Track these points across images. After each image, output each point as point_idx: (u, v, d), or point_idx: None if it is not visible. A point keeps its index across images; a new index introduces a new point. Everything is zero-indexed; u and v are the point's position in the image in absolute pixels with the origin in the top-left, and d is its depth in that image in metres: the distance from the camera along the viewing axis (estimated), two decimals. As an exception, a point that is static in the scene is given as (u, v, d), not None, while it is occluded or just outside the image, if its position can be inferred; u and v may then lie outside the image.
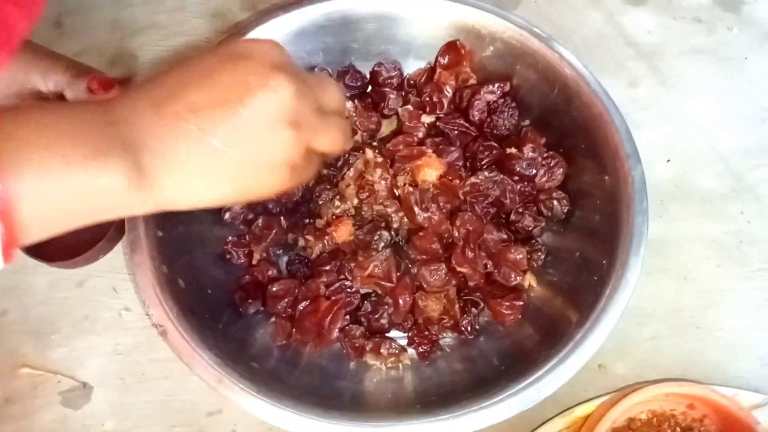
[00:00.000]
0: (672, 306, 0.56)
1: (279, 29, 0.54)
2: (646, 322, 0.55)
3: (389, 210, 0.53)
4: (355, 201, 0.54)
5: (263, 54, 0.35)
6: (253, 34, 0.52)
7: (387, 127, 0.59)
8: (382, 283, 0.50)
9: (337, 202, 0.53)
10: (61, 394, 0.51)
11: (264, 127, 0.34)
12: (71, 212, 0.33)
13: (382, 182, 0.53)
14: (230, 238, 0.53)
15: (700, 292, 0.56)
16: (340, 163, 0.54)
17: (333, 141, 0.38)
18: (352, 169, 0.53)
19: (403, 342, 0.51)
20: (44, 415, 0.51)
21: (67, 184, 0.32)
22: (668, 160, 0.61)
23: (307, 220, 0.54)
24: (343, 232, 0.51)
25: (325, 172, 0.54)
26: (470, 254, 0.50)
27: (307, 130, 0.36)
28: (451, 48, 0.56)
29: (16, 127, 0.31)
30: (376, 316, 0.50)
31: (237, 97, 0.33)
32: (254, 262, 0.52)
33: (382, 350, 0.49)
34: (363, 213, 0.54)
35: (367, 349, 0.50)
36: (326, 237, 0.51)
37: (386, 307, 0.50)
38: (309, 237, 0.52)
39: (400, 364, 0.50)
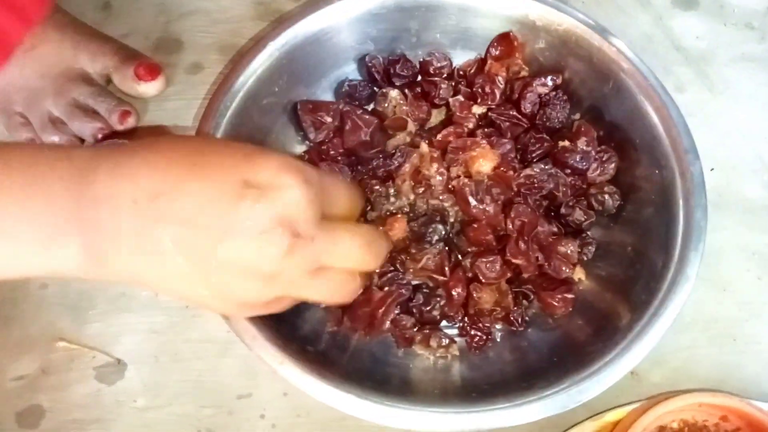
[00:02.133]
0: (710, 316, 0.55)
1: (328, 19, 0.54)
2: (683, 330, 0.54)
3: (446, 204, 0.52)
4: (411, 196, 0.53)
5: (280, 199, 0.31)
6: (301, 25, 0.53)
7: (436, 117, 0.58)
8: (435, 276, 0.50)
9: (392, 198, 0.53)
10: (96, 369, 0.51)
11: (240, 272, 0.31)
12: (19, 273, 0.32)
13: (439, 177, 0.52)
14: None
15: (739, 303, 0.55)
16: (395, 158, 0.53)
17: (348, 255, 0.35)
18: (407, 165, 0.53)
19: (453, 332, 0.51)
20: (78, 388, 0.50)
21: (16, 260, 0.31)
22: (712, 169, 0.60)
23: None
24: (399, 230, 0.51)
25: (374, 163, 0.54)
26: (524, 246, 0.49)
27: (285, 286, 0.33)
28: (504, 39, 0.56)
29: None
30: (428, 308, 0.49)
31: (233, 233, 0.30)
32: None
33: (432, 342, 0.49)
34: (417, 208, 0.53)
35: (417, 340, 0.49)
36: (379, 228, 0.51)
37: (438, 299, 0.49)
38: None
39: (449, 355, 0.50)
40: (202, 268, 0.31)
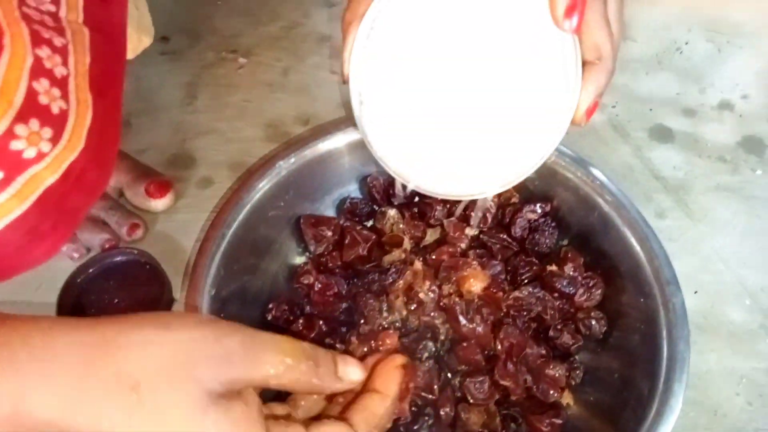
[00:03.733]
0: (703, 441, 0.55)
1: (335, 143, 0.58)
2: (677, 456, 0.54)
3: (437, 321, 0.54)
4: (404, 312, 0.55)
5: None
6: (310, 147, 0.57)
7: (431, 236, 0.61)
8: (423, 394, 0.51)
9: (385, 313, 0.55)
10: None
11: None
12: None
13: (431, 294, 0.54)
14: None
15: (730, 429, 0.56)
16: (389, 274, 0.55)
17: None
18: (401, 281, 0.55)
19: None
20: None
21: None
22: (696, 292, 0.62)
23: (344, 329, 0.55)
24: (390, 344, 0.52)
25: (369, 277, 0.56)
26: (512, 368, 0.51)
27: None
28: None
29: None
30: (416, 427, 0.49)
31: None
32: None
33: None
34: (409, 324, 0.55)
35: None
36: (371, 342, 0.53)
37: (426, 418, 0.50)
38: (353, 339, 0.53)
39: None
40: None
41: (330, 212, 0.62)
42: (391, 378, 0.38)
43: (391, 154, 0.46)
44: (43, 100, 0.37)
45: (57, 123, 0.38)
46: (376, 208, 0.61)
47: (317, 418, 0.38)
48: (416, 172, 0.46)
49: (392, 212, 0.60)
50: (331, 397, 0.40)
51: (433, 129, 0.43)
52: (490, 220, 0.59)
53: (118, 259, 0.59)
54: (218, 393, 0.31)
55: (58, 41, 0.38)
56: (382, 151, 0.46)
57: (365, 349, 0.51)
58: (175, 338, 0.32)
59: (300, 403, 0.38)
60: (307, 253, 0.60)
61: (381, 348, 0.50)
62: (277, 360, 0.33)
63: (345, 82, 0.43)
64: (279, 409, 0.37)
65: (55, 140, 0.38)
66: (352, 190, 0.63)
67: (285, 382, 0.34)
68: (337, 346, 0.53)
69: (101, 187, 0.44)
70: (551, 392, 0.51)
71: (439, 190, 0.47)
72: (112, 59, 0.43)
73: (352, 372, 0.37)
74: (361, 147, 0.59)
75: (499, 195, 0.60)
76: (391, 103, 0.44)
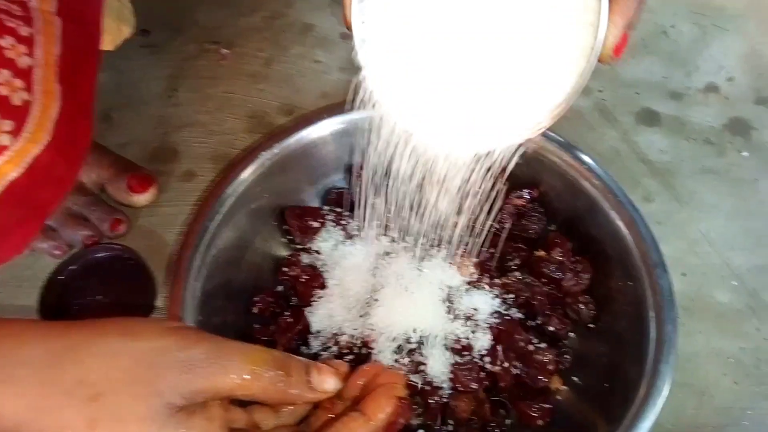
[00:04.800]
0: (691, 422, 0.55)
1: (318, 132, 0.57)
2: (666, 438, 0.54)
3: None
4: None
5: None
6: (292, 139, 0.56)
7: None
8: (412, 382, 0.50)
9: None
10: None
11: None
12: None
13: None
14: (255, 326, 0.54)
15: (718, 409, 0.56)
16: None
17: None
18: None
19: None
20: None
21: None
22: (683, 274, 0.62)
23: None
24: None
25: None
26: (501, 354, 0.51)
27: None
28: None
29: None
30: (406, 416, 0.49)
31: None
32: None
33: None
34: None
35: None
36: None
37: (415, 407, 0.50)
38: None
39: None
40: None
41: (315, 203, 0.62)
42: (383, 406, 0.36)
43: (395, 100, 0.40)
44: (2, 91, 0.35)
45: (18, 115, 0.36)
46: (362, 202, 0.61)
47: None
48: (422, 122, 0.40)
49: (379, 202, 0.59)
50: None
51: (442, 72, 0.38)
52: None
53: (101, 255, 0.59)
54: (179, 406, 0.31)
55: (24, 30, 0.37)
56: (384, 97, 0.40)
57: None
58: (139, 348, 0.32)
59: (282, 410, 0.37)
60: (293, 245, 0.60)
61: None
62: (244, 369, 0.32)
63: (348, 27, 0.40)
64: (259, 414, 0.36)
65: (16, 133, 0.36)
66: (337, 179, 0.62)
67: (253, 392, 0.33)
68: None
69: (71, 181, 0.43)
70: (540, 378, 0.51)
71: (452, 145, 0.40)
72: (85, 50, 0.42)
73: (326, 382, 0.36)
74: (344, 135, 0.59)
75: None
76: (396, 44, 0.38)
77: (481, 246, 0.55)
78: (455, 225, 0.51)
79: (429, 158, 0.43)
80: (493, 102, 0.37)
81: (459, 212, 0.55)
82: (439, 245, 0.54)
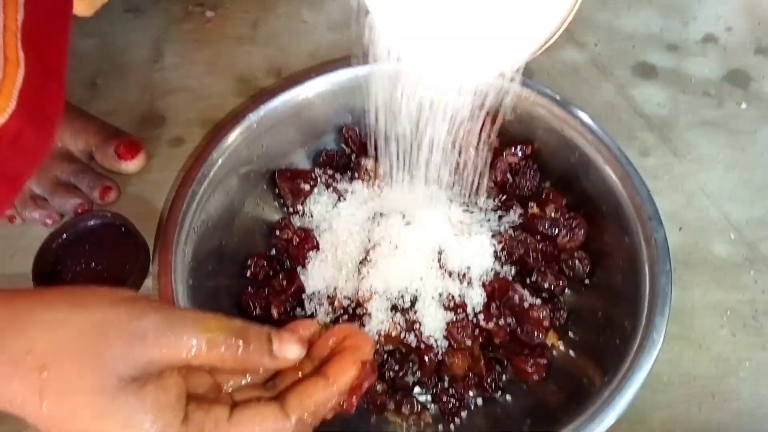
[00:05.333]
0: (687, 374, 0.55)
1: (306, 92, 0.56)
2: (661, 390, 0.54)
3: None
4: None
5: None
6: (279, 100, 0.55)
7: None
8: (407, 341, 0.50)
9: None
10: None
11: None
12: None
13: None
14: (249, 289, 0.53)
15: (715, 360, 0.56)
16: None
17: None
18: None
19: (424, 399, 0.51)
20: None
21: None
22: (680, 228, 0.62)
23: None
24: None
25: None
26: (496, 311, 0.50)
27: None
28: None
29: None
30: (401, 374, 0.49)
31: None
32: (276, 316, 0.52)
33: (404, 409, 0.48)
34: None
35: (389, 406, 0.49)
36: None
37: (411, 364, 0.50)
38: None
39: (421, 422, 0.50)
40: None
41: (306, 165, 0.61)
42: (346, 369, 0.34)
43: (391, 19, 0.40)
44: None
45: None
46: (353, 159, 0.60)
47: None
48: (419, 44, 0.40)
49: (369, 163, 0.59)
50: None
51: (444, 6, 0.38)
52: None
53: (92, 223, 0.58)
54: (131, 377, 0.30)
55: None
56: (393, 33, 0.41)
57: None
58: (87, 318, 0.31)
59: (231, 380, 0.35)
60: (285, 208, 0.59)
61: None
62: (198, 338, 0.31)
63: None
64: (223, 375, 0.34)
65: None
66: (328, 141, 0.61)
67: (210, 361, 0.32)
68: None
69: (43, 150, 0.41)
70: (535, 333, 0.51)
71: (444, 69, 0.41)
72: (53, 15, 0.41)
73: (288, 350, 0.34)
74: (333, 96, 0.58)
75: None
76: None
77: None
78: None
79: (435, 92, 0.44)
80: (488, 27, 0.38)
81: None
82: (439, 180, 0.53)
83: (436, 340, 0.50)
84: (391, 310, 0.51)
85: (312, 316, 0.52)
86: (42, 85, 0.39)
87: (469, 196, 0.56)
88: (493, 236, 0.54)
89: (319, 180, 0.58)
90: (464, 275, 0.52)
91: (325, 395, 0.33)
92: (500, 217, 0.57)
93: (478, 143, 0.53)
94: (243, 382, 0.35)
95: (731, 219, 0.63)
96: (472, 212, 0.56)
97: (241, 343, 0.32)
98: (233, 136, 0.54)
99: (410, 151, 0.51)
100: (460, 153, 0.52)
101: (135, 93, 0.67)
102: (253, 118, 0.55)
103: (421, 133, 0.48)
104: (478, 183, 0.55)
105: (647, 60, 0.72)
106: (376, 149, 0.53)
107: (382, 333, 0.50)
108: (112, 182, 0.60)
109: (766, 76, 0.71)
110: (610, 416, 0.43)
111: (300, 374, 0.35)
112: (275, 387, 0.35)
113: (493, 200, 0.57)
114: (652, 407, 0.53)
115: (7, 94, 0.36)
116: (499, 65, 0.41)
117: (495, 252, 0.53)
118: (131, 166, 0.61)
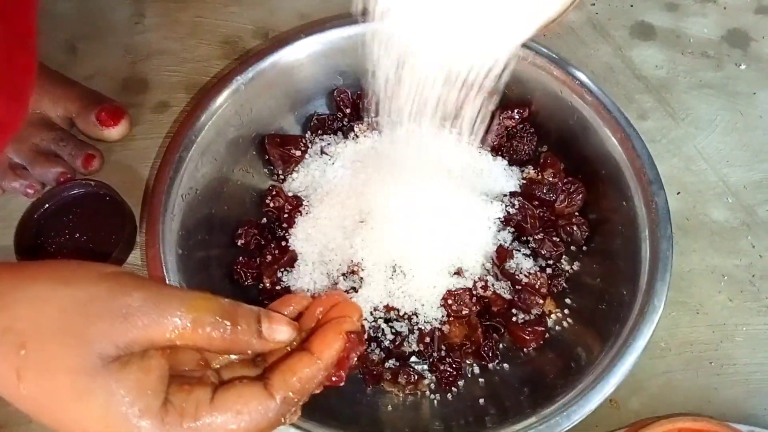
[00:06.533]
0: (685, 340, 0.55)
1: (294, 54, 0.54)
2: (659, 356, 0.54)
3: None
4: None
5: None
6: (267, 62, 0.53)
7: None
8: (403, 310, 0.49)
9: None
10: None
11: None
12: None
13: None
14: (240, 258, 0.52)
15: (712, 326, 0.55)
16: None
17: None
18: None
19: (421, 368, 0.50)
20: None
21: None
22: (678, 193, 0.61)
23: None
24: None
25: None
26: (493, 279, 0.49)
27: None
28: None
29: None
30: (397, 343, 0.49)
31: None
32: (268, 286, 0.51)
33: (400, 379, 0.48)
34: None
35: (386, 377, 0.48)
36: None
37: (407, 333, 0.49)
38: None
39: (418, 392, 0.49)
40: None
41: (296, 131, 0.59)
42: (330, 342, 0.32)
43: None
44: None
45: None
46: (345, 123, 0.58)
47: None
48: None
49: (362, 127, 0.57)
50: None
51: None
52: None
53: (75, 192, 0.56)
54: (112, 356, 0.28)
55: None
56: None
57: None
58: (70, 294, 0.29)
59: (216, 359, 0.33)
60: (275, 176, 0.57)
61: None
62: (184, 318, 0.30)
63: None
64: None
65: None
66: (318, 105, 0.59)
67: (196, 342, 0.30)
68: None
69: (16, 120, 0.40)
70: (533, 301, 0.50)
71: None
72: None
73: (278, 332, 0.32)
74: (323, 56, 0.55)
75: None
76: None
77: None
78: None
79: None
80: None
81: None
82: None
83: (432, 308, 0.49)
84: (387, 278, 0.50)
85: (305, 285, 0.51)
86: (10, 54, 0.36)
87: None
88: (491, 202, 0.53)
89: (310, 146, 0.57)
90: (461, 242, 0.50)
91: (310, 372, 0.32)
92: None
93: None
94: (233, 357, 0.33)
95: (729, 183, 0.62)
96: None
97: (228, 324, 0.31)
98: (220, 100, 0.52)
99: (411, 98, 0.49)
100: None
101: (116, 56, 0.65)
102: (240, 80, 0.52)
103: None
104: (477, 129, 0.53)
105: (646, 20, 0.70)
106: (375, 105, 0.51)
107: (377, 301, 0.49)
108: (95, 150, 0.58)
109: (766, 36, 0.69)
110: (610, 384, 0.43)
111: (288, 348, 0.33)
112: (264, 361, 0.33)
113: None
114: (650, 373, 0.53)
115: None
116: (509, 37, 0.39)
117: (493, 218, 0.52)
118: (114, 132, 0.59)
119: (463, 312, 0.48)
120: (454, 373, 0.48)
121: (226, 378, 0.32)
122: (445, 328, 0.49)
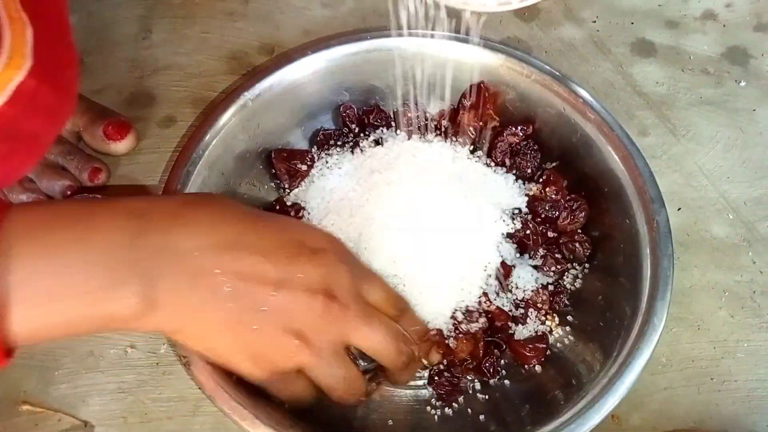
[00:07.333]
0: (686, 355, 0.55)
1: (301, 70, 0.55)
2: (660, 371, 0.54)
3: None
4: None
5: (326, 264, 0.36)
6: (274, 78, 0.54)
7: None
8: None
9: None
10: (62, 433, 0.50)
11: (281, 325, 0.35)
12: (71, 329, 0.33)
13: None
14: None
15: (713, 342, 0.56)
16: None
17: (371, 337, 0.38)
18: None
19: (420, 382, 0.50)
20: (44, 453, 0.49)
21: (72, 312, 0.32)
22: (679, 209, 0.61)
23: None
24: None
25: None
26: (498, 294, 0.50)
27: (311, 356, 0.36)
28: (477, 90, 0.57)
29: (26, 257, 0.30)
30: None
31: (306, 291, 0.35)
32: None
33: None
34: None
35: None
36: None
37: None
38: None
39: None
40: (248, 318, 0.34)
41: (303, 145, 0.59)
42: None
43: None
44: None
45: None
46: (351, 139, 0.58)
47: None
48: None
49: (368, 141, 0.57)
50: None
51: None
52: (469, 144, 0.57)
53: (82, 205, 0.57)
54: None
55: None
56: None
57: None
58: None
59: None
60: (281, 190, 0.58)
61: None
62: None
63: None
64: None
65: None
66: (325, 120, 0.60)
67: (377, 356, 0.40)
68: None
69: (64, 112, 0.41)
70: (535, 318, 0.50)
71: None
72: None
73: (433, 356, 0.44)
74: (329, 73, 0.56)
75: (480, 118, 0.57)
76: None
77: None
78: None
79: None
80: None
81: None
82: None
83: (437, 323, 0.49)
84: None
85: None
86: (53, 44, 0.38)
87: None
88: (497, 217, 0.53)
89: (316, 160, 0.57)
90: (466, 257, 0.51)
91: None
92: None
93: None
94: None
95: (729, 199, 0.62)
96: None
97: (406, 349, 0.41)
98: (227, 116, 0.52)
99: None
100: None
101: (123, 71, 0.65)
102: (248, 96, 0.53)
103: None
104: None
105: (646, 37, 0.71)
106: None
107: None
108: (101, 163, 0.58)
109: (765, 53, 0.70)
110: (610, 401, 0.43)
111: None
112: None
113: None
114: (651, 389, 0.53)
115: (20, 51, 0.35)
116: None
117: (498, 234, 0.53)
118: (121, 146, 0.59)
119: (473, 329, 0.49)
120: (451, 388, 0.48)
121: None
122: (451, 342, 0.49)
